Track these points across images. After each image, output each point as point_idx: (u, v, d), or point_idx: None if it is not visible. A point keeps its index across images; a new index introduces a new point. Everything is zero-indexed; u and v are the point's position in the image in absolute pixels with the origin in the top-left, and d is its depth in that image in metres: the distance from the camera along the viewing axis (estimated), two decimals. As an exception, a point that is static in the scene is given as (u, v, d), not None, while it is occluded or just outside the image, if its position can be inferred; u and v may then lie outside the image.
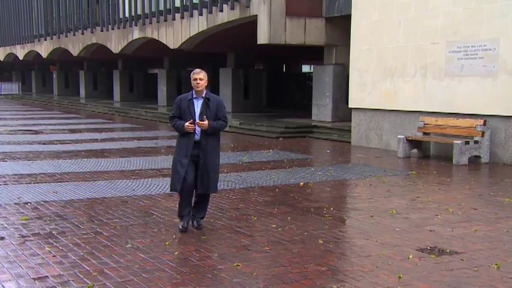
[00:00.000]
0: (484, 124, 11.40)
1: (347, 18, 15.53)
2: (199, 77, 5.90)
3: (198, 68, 6.05)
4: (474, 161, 11.44)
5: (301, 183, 8.96)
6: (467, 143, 11.29)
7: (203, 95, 5.98)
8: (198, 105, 5.97)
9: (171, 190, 6.17)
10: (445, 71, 12.32)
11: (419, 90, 12.91)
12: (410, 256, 5.24)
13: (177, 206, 6.24)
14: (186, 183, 5.93)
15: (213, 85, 26.12)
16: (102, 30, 29.53)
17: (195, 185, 6.01)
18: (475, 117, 11.65)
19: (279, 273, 4.75)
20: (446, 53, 12.26)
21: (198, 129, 5.92)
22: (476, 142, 11.38)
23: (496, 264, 5.01)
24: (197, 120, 5.92)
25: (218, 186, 6.37)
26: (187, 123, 5.88)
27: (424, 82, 12.80)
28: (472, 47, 11.76)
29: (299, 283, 4.52)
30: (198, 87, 5.91)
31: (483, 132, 11.39)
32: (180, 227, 6.06)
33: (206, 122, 5.87)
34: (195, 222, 6.16)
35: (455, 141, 11.32)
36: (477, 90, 11.70)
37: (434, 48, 12.51)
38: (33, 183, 8.82)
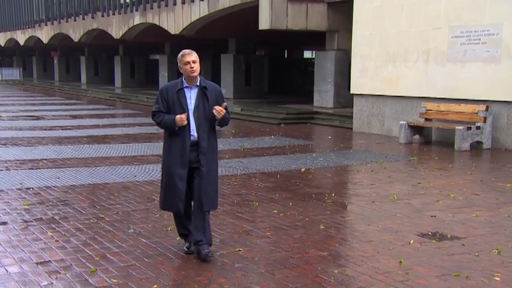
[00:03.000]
0: (486, 110, 11.36)
1: (349, 3, 15.41)
2: (192, 59, 4.59)
3: (188, 48, 4.77)
4: (476, 146, 11.43)
5: (303, 169, 8.97)
6: (469, 128, 11.27)
7: (197, 83, 4.67)
8: (191, 96, 4.66)
9: (164, 209, 4.86)
10: (448, 56, 12.25)
11: (422, 76, 12.86)
12: (411, 241, 5.26)
13: (174, 223, 5.00)
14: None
15: (214, 71, 26.07)
16: (103, 16, 29.38)
17: (192, 199, 4.80)
18: (477, 102, 11.60)
19: (281, 258, 4.77)
20: (449, 38, 12.18)
21: (193, 126, 4.65)
22: (478, 128, 11.35)
23: (497, 249, 5.03)
24: (191, 114, 4.64)
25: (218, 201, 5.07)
26: (179, 115, 4.57)
27: (426, 68, 12.74)
28: (475, 32, 11.68)
29: (300, 268, 4.54)
30: (193, 73, 4.60)
31: (485, 118, 11.36)
32: (185, 248, 4.87)
33: (223, 111, 4.61)
34: (203, 251, 4.66)
35: (457, 127, 11.29)
36: (480, 75, 11.65)
37: (436, 33, 12.43)
38: (35, 168, 8.84)
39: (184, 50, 4.67)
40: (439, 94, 12.48)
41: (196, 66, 4.62)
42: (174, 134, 4.66)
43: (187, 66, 4.59)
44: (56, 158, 9.87)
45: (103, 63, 38.10)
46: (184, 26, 22.05)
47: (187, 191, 4.72)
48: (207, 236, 4.76)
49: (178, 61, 4.67)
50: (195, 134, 4.66)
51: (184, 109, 4.62)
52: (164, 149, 4.80)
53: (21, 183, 7.68)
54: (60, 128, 14.57)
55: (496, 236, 5.46)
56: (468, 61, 11.86)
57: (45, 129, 14.14)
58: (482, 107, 11.38)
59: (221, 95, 4.82)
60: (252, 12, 17.85)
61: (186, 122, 4.58)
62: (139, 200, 6.81)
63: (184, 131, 4.63)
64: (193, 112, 4.65)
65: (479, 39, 11.60)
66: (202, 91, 4.67)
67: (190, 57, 4.59)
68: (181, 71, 4.69)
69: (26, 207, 6.45)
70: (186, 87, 4.67)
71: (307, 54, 39.43)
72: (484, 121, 11.36)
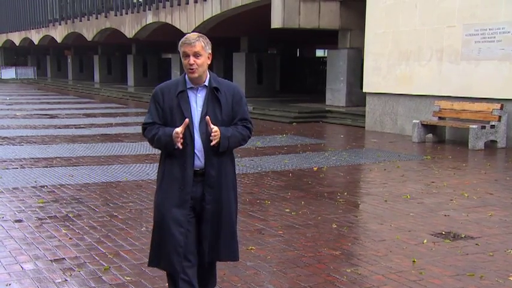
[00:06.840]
0: (501, 108, 11.25)
1: (362, 1, 15.33)
2: (195, 50, 3.14)
3: (193, 34, 3.26)
4: (490, 145, 11.32)
5: (315, 168, 8.95)
6: (483, 127, 11.16)
7: (205, 83, 3.25)
8: (196, 100, 3.24)
9: (151, 264, 3.36)
10: (462, 55, 12.15)
11: (435, 74, 12.76)
12: (425, 241, 5.22)
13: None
14: (182, 249, 3.22)
15: (226, 70, 26.09)
16: (116, 15, 29.55)
17: (197, 250, 3.29)
18: (491, 101, 11.49)
19: (293, 257, 4.76)
20: (463, 36, 12.08)
21: (199, 146, 3.20)
22: (492, 126, 11.24)
23: (512, 249, 4.99)
24: (196, 127, 3.21)
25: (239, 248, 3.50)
26: (178, 129, 3.10)
27: (440, 66, 12.65)
28: (489, 30, 11.56)
29: (313, 267, 4.54)
30: (192, 73, 3.17)
31: (500, 117, 11.24)
32: None
33: (216, 130, 3.14)
34: None
35: (471, 126, 11.20)
36: (494, 74, 11.53)
37: (450, 31, 12.33)
38: (49, 166, 8.92)
39: (187, 36, 3.23)
40: (452, 92, 12.37)
41: (200, 63, 3.16)
42: (172, 155, 3.22)
43: (186, 62, 3.17)
44: (70, 156, 9.95)
45: (116, 62, 38.34)
46: (196, 25, 22.10)
47: (193, 243, 3.25)
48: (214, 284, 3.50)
49: (179, 49, 3.23)
50: (202, 157, 3.22)
51: (186, 118, 3.17)
52: (158, 176, 3.36)
53: (35, 181, 7.76)
54: (73, 126, 14.69)
55: (511, 236, 5.40)
56: (482, 59, 11.75)
57: (59, 128, 14.26)
58: (497, 105, 11.27)
59: (240, 98, 3.31)
60: (264, 10, 17.84)
61: (181, 141, 3.13)
62: (152, 198, 6.82)
63: (185, 153, 3.18)
64: (199, 125, 3.22)
65: (494, 37, 11.49)
66: (213, 94, 3.24)
67: (192, 48, 3.14)
68: None
69: (41, 205, 6.51)
70: (191, 88, 3.25)
71: (320, 52, 39.33)
72: (499, 120, 11.25)
